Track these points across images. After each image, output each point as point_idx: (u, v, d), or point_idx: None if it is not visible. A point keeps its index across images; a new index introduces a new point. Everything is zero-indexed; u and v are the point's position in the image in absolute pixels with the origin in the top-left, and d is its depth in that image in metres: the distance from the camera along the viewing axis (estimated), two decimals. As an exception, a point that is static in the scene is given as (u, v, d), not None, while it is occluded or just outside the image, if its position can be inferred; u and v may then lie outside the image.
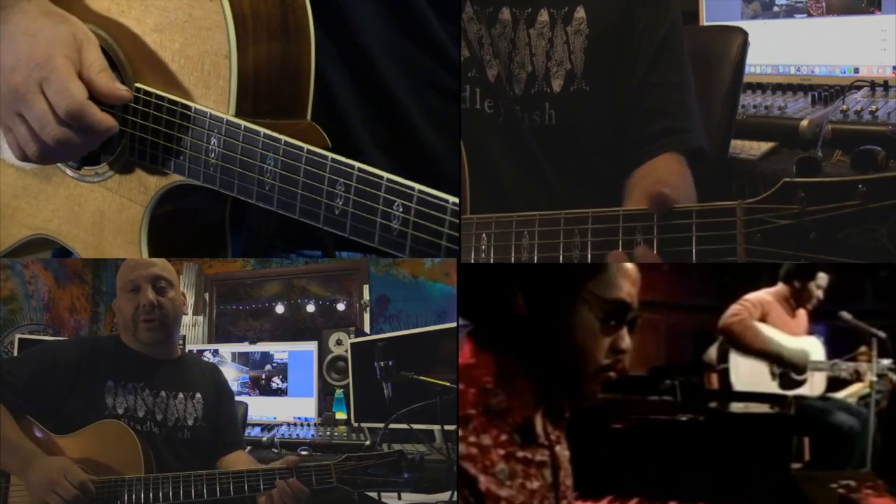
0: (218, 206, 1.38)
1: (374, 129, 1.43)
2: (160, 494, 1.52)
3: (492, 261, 1.19)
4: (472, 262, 1.21)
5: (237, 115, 1.22)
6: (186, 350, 3.14)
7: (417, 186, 1.08)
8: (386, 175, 1.10)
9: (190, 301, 3.64)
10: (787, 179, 0.95)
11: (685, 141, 1.54)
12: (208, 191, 1.27)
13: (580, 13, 1.49)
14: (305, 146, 1.15)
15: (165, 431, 1.67)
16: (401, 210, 1.09)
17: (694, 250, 1.01)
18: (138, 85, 1.28)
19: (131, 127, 1.28)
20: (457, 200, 1.06)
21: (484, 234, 1.20)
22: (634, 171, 1.49)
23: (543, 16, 1.49)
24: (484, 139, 1.49)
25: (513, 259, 1.17)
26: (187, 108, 1.24)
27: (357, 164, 1.12)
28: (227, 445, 1.75)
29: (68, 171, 1.39)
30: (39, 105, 1.21)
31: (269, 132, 1.18)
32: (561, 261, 1.12)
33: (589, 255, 1.10)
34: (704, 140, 1.59)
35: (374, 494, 2.03)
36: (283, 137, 1.17)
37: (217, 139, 1.21)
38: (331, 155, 1.14)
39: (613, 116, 1.54)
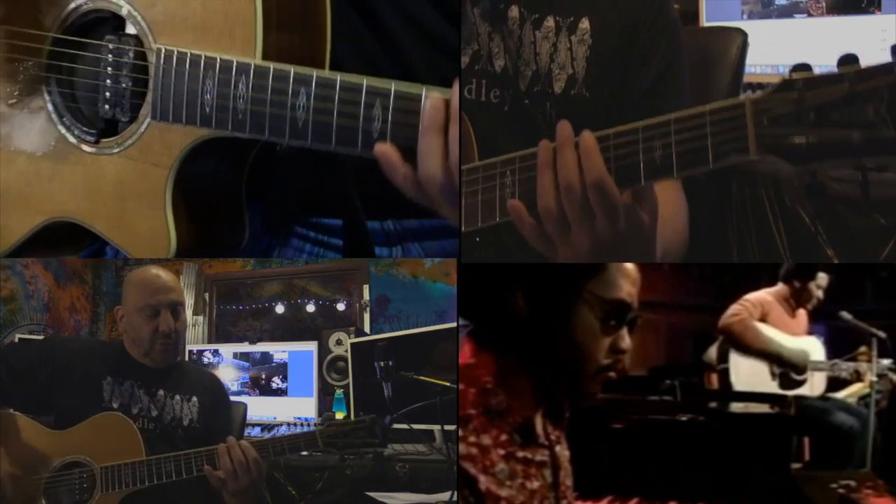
0: (236, 174, 1.37)
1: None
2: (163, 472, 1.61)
3: (517, 196, 1.21)
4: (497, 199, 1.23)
5: (264, 59, 1.23)
6: (185, 350, 3.19)
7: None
8: (424, 87, 1.12)
9: (190, 301, 3.64)
10: (786, 76, 1.09)
11: None
12: (229, 154, 1.26)
13: (585, 24, 1.51)
14: (338, 75, 1.17)
15: (161, 427, 1.71)
16: None
17: (709, 145, 1.11)
18: (160, 46, 1.28)
19: (154, 88, 1.29)
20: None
21: (508, 172, 1.23)
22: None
23: (549, 22, 1.51)
24: (490, 128, 1.50)
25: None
26: (212, 59, 1.24)
27: (393, 82, 1.14)
28: None
29: (85, 147, 1.38)
30: None
31: (299, 68, 1.19)
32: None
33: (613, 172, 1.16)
34: None
35: (374, 494, 2.03)
36: (315, 71, 1.18)
37: (245, 84, 1.22)
38: (365, 79, 1.15)
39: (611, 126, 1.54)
